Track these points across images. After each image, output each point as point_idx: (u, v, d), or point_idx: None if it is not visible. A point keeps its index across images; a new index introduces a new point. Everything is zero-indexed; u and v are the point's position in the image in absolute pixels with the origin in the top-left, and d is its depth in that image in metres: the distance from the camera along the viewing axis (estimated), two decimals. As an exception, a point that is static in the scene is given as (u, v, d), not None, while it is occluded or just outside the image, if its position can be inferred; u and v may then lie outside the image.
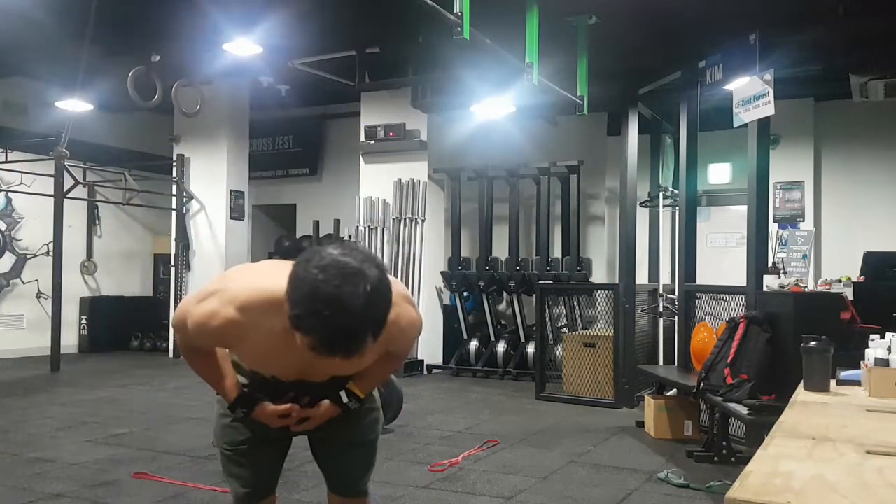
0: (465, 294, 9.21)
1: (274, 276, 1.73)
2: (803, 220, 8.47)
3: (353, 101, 9.63)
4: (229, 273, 1.95)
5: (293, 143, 11.43)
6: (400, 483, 4.16)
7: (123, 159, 10.41)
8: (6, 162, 9.31)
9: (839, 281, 4.73)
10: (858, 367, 2.78)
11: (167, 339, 10.31)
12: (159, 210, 10.82)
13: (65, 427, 5.62)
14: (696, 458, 4.75)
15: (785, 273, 4.92)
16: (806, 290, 4.77)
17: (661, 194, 8.19)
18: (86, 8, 6.40)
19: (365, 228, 9.28)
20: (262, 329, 1.79)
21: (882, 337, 2.80)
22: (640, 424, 5.78)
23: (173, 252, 10.24)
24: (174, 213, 10.21)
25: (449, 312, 9.30)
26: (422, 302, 8.84)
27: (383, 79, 8.63)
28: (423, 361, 8.90)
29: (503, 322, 9.53)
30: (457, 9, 4.58)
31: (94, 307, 10.61)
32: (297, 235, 11.34)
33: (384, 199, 9.22)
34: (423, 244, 9.00)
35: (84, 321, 10.57)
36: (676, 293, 6.71)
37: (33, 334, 9.83)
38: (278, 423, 2.02)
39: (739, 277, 5.71)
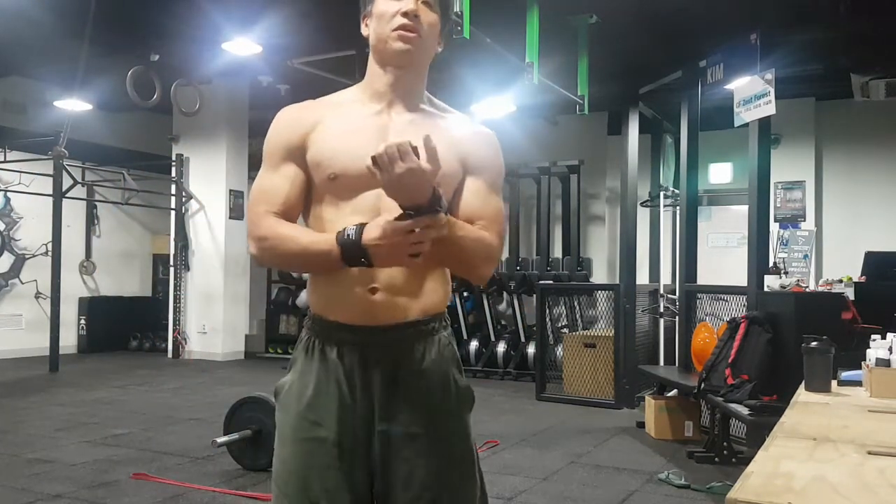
0: (464, 294, 9.20)
1: None
2: (804, 220, 8.47)
3: (353, 100, 9.61)
4: None
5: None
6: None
7: (122, 159, 10.40)
8: (5, 161, 9.30)
9: (840, 281, 4.73)
10: (860, 367, 2.77)
11: (166, 340, 10.30)
12: (158, 210, 10.81)
13: (64, 427, 5.61)
14: (696, 459, 4.74)
15: (786, 273, 4.91)
16: (807, 290, 4.76)
17: (661, 194, 8.18)
18: (84, 7, 6.40)
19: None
20: (334, 110, 1.64)
21: (883, 337, 2.78)
22: (641, 425, 5.77)
23: (172, 252, 10.24)
24: (173, 212, 10.21)
25: (448, 312, 9.24)
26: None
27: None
28: (422, 361, 8.88)
29: (503, 322, 9.52)
30: (457, 8, 4.57)
31: (93, 307, 10.60)
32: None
33: (384, 199, 9.20)
34: (422, 244, 8.98)
35: (83, 321, 10.56)
36: (677, 293, 6.70)
37: (32, 334, 9.82)
38: (399, 247, 1.42)
39: (740, 277, 5.71)
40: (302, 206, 1.62)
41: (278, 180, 1.60)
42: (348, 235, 1.45)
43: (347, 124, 1.61)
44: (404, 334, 1.57)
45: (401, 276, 1.55)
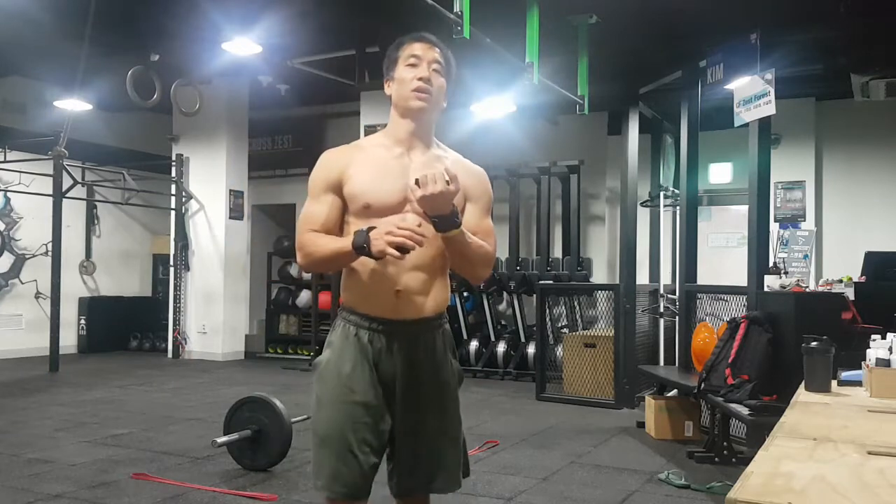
0: (464, 294, 9.19)
1: None
2: (804, 220, 8.46)
3: (353, 100, 9.62)
4: None
5: (293, 143, 11.41)
6: (399, 484, 4.14)
7: (122, 159, 10.40)
8: (5, 161, 9.30)
9: (840, 281, 4.72)
10: (860, 367, 2.77)
11: (166, 340, 10.31)
12: (158, 210, 10.81)
13: (64, 427, 5.61)
14: (696, 459, 4.74)
15: (786, 273, 4.90)
16: (807, 290, 4.75)
17: (661, 194, 8.18)
18: (84, 7, 6.40)
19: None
20: (364, 152, 2.11)
21: (883, 337, 2.78)
22: (641, 425, 5.77)
23: (172, 252, 10.24)
24: (173, 212, 10.21)
25: (448, 312, 9.24)
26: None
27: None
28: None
29: (503, 322, 9.52)
30: (457, 8, 4.57)
31: (93, 307, 10.61)
32: (297, 235, 11.32)
33: (384, 199, 9.21)
34: (422, 244, 8.98)
35: (83, 321, 10.56)
36: (677, 293, 6.69)
37: (32, 334, 9.82)
38: (396, 235, 1.87)
39: (740, 277, 5.70)
40: (339, 226, 2.09)
41: (319, 207, 2.08)
42: (359, 231, 1.94)
43: (377, 165, 2.08)
44: (420, 326, 2.10)
45: (418, 281, 2.06)
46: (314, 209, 2.08)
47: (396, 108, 2.15)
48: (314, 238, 2.05)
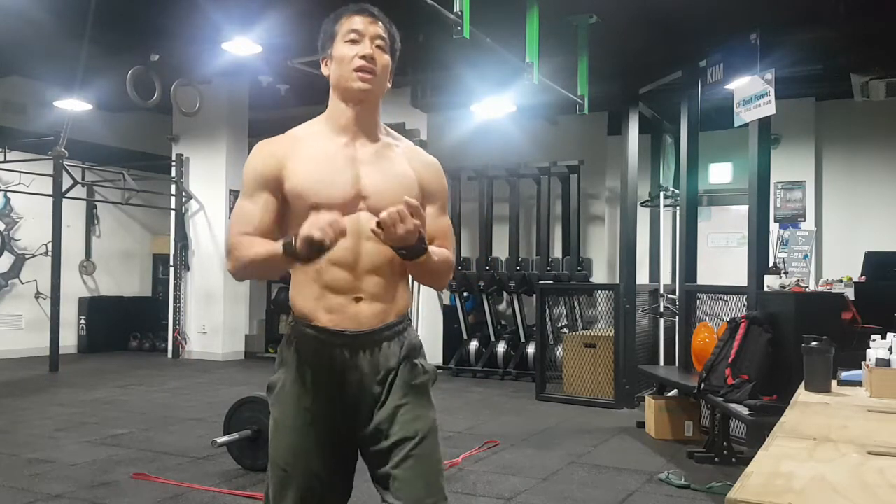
0: (464, 294, 9.20)
1: None
2: (804, 220, 8.46)
3: (353, 100, 9.60)
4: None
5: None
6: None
7: (122, 159, 10.40)
8: (5, 161, 9.30)
9: (840, 281, 4.72)
10: (859, 367, 2.77)
11: (166, 340, 10.30)
12: (158, 210, 10.81)
13: (64, 427, 5.61)
14: (696, 459, 4.74)
15: (786, 273, 4.90)
16: (807, 290, 4.75)
17: (661, 194, 8.18)
18: (84, 7, 6.40)
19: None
20: (305, 143, 1.86)
21: (883, 337, 2.78)
22: (641, 425, 5.77)
23: (172, 252, 10.24)
24: (173, 212, 10.20)
25: (449, 313, 9.28)
26: (421, 302, 8.84)
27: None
28: (422, 361, 8.88)
29: (503, 322, 9.52)
30: (457, 8, 4.57)
31: (93, 307, 10.60)
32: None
33: (384, 199, 9.20)
34: (422, 244, 8.98)
35: (83, 321, 10.55)
36: (677, 293, 6.69)
37: (32, 335, 9.82)
38: (326, 232, 1.63)
39: (740, 277, 5.70)
40: (275, 228, 1.84)
41: (252, 207, 1.84)
42: (291, 243, 1.68)
43: (321, 158, 1.84)
44: (385, 334, 1.85)
45: (379, 286, 1.84)
46: (247, 209, 1.84)
47: (336, 91, 1.90)
48: (246, 242, 1.80)
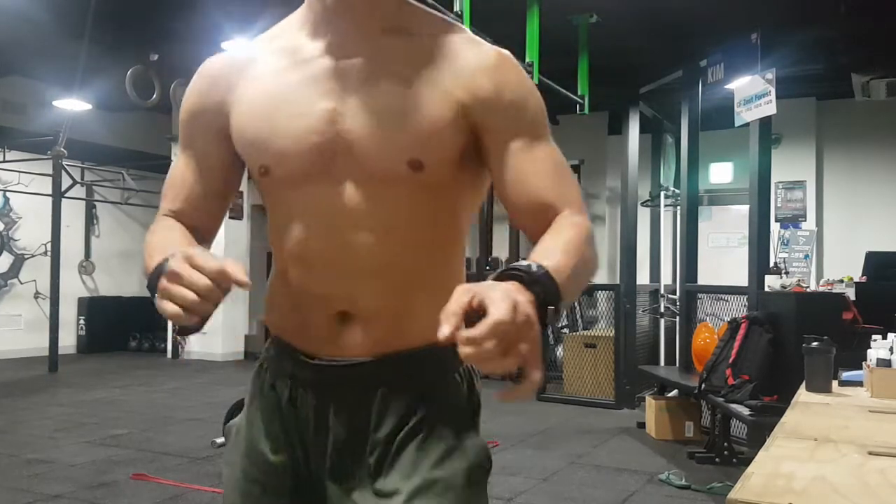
0: (465, 294, 9.17)
1: None
2: (805, 220, 8.46)
3: (353, 100, 9.60)
4: None
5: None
6: (399, 484, 4.13)
7: (122, 159, 10.40)
8: (4, 161, 9.30)
9: (841, 281, 4.71)
10: (860, 367, 2.76)
11: (165, 340, 10.30)
12: (157, 210, 10.78)
13: (63, 428, 5.60)
14: (697, 460, 4.73)
15: (787, 273, 4.90)
16: (808, 290, 4.75)
17: (662, 194, 8.17)
18: (84, 7, 6.39)
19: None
20: (261, 61, 1.12)
21: (884, 337, 2.77)
22: (641, 425, 5.76)
23: (172, 252, 10.22)
24: (173, 212, 10.19)
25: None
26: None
27: None
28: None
29: (503, 322, 9.49)
30: (457, 8, 4.56)
31: (92, 307, 10.60)
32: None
33: (384, 199, 9.19)
34: (422, 244, 8.97)
35: (82, 321, 10.55)
36: (677, 293, 6.69)
37: (31, 335, 9.81)
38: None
39: (741, 277, 5.69)
40: (221, 204, 1.20)
41: (182, 167, 1.18)
42: (167, 258, 0.97)
43: (277, 86, 1.08)
44: (380, 373, 1.10)
45: (381, 296, 1.09)
46: (174, 173, 1.20)
47: None
48: (159, 227, 1.18)
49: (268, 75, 1.10)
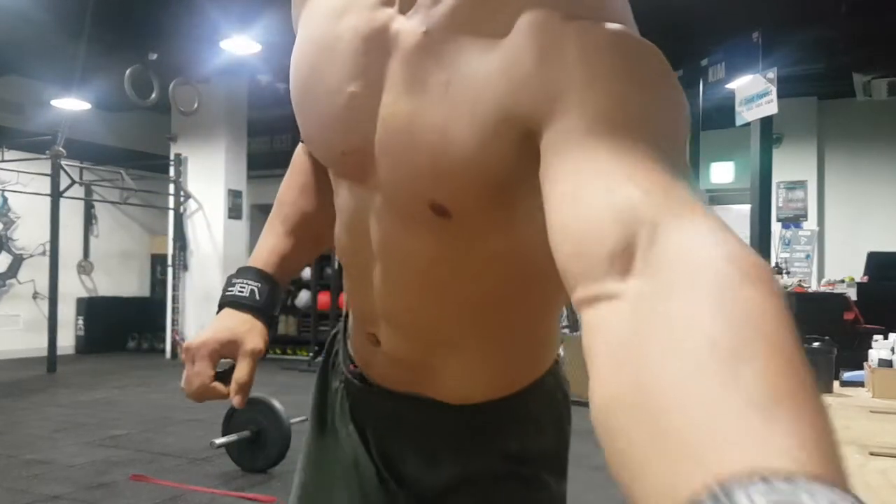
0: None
1: None
2: (806, 220, 8.45)
3: (353, 99, 9.59)
4: None
5: (292, 142, 11.35)
6: (398, 485, 4.12)
7: (120, 158, 10.38)
8: (2, 161, 9.28)
9: (842, 281, 4.71)
10: (862, 367, 2.75)
11: (164, 340, 10.28)
12: (156, 210, 10.79)
13: (62, 428, 5.58)
14: (697, 460, 4.71)
15: (788, 273, 4.89)
16: (809, 290, 4.74)
17: (661, 194, 8.16)
18: (82, 6, 6.39)
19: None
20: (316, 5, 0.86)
21: (885, 337, 2.77)
22: (641, 425, 5.74)
23: (170, 252, 10.21)
24: (171, 212, 10.18)
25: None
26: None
27: None
28: (422, 362, 8.87)
29: (503, 322, 9.49)
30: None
31: (91, 308, 10.58)
32: (297, 235, 11.31)
33: (383, 199, 9.19)
34: (422, 244, 8.97)
35: (81, 322, 10.54)
36: (677, 293, 6.68)
37: (29, 335, 9.80)
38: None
39: (741, 277, 5.68)
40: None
41: None
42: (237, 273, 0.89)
43: (323, 34, 0.82)
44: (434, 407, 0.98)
45: (417, 330, 0.91)
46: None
47: None
48: (295, 168, 1.14)
49: (320, 14, 0.83)
